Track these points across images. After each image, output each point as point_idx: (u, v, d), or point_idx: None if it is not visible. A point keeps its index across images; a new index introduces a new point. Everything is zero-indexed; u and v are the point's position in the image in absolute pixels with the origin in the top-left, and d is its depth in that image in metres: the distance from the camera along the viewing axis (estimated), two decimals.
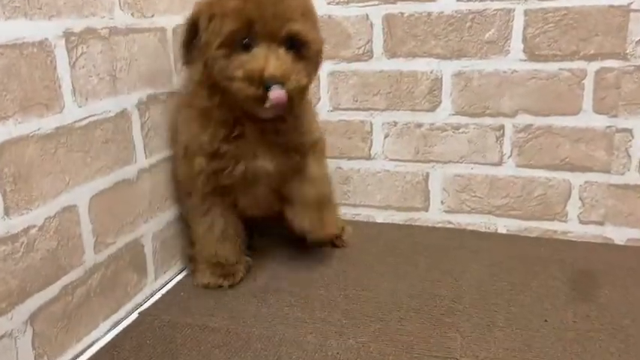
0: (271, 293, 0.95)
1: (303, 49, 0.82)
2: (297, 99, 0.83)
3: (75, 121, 0.73)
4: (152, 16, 0.89)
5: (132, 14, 0.84)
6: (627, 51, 1.02)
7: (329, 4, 1.17)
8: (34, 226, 0.68)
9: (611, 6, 1.01)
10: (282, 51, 0.79)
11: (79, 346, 0.77)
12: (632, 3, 1.00)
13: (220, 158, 0.87)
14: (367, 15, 1.15)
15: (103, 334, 0.82)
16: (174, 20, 0.95)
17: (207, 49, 0.80)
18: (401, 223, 1.26)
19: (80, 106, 0.74)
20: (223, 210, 0.95)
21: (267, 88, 0.76)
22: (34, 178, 0.67)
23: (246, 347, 0.79)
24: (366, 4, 1.14)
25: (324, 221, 0.97)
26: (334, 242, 1.13)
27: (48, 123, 0.69)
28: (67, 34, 0.71)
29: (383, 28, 1.15)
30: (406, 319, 0.86)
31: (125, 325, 0.85)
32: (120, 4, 0.81)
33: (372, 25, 1.15)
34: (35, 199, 0.67)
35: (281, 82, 0.77)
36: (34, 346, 0.69)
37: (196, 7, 0.82)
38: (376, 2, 1.14)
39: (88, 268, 0.78)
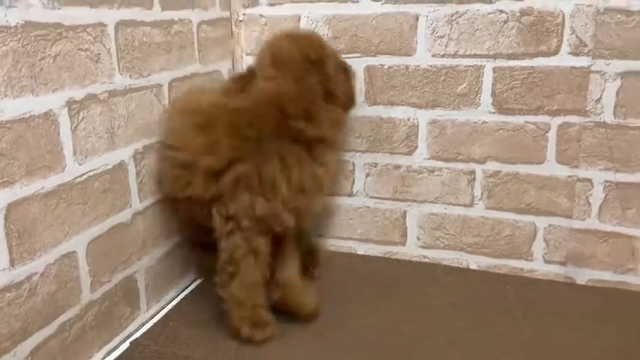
0: None
1: None
2: None
3: (75, 178, 0.83)
4: (149, 75, 0.99)
5: (130, 76, 0.94)
6: (587, 108, 1.10)
7: None
8: (36, 273, 0.77)
9: (573, 67, 1.09)
10: None
11: None
12: (592, 65, 1.08)
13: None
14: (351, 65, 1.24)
15: None
16: (171, 76, 1.05)
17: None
18: (380, 255, 1.35)
19: (80, 164, 0.84)
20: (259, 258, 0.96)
21: None
22: (37, 231, 0.77)
23: None
24: (349, 55, 1.23)
25: None
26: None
27: (50, 182, 0.78)
28: (70, 103, 0.81)
29: (364, 78, 1.24)
30: (371, 357, 0.95)
31: (117, 354, 0.95)
32: (119, 69, 0.91)
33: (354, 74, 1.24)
34: (37, 249, 0.77)
35: None
36: None
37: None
38: (358, 54, 1.23)
39: (84, 306, 0.88)
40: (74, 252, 0.84)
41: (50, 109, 0.77)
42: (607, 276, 1.17)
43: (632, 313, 1.07)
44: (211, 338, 1.00)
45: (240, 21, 1.29)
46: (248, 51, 1.30)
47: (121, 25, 0.90)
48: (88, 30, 0.83)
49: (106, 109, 0.88)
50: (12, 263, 0.73)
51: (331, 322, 1.05)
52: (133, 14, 0.93)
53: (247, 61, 1.30)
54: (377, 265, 1.31)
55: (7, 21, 0.69)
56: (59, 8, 0.77)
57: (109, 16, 0.87)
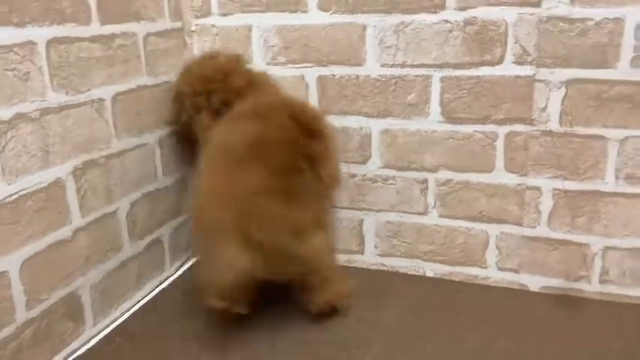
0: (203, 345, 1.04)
1: None
2: None
3: (5, 198, 0.83)
4: (88, 90, 0.99)
5: (66, 92, 0.93)
6: (533, 117, 1.10)
7: (267, 64, 1.26)
8: None
9: (518, 76, 1.09)
10: None
11: None
12: (536, 74, 1.08)
13: None
14: (303, 75, 1.24)
15: None
16: (114, 89, 1.05)
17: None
18: (339, 263, 1.35)
19: (10, 184, 0.83)
20: None
21: None
22: None
23: None
24: (301, 65, 1.23)
25: None
26: None
27: None
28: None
29: (317, 88, 1.24)
30: None
31: None
32: (52, 86, 0.90)
33: (307, 84, 1.24)
34: None
35: None
36: None
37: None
38: (310, 64, 1.23)
39: (19, 324, 0.87)
40: (6, 271, 0.84)
41: None
42: (559, 283, 1.18)
43: (584, 320, 1.08)
44: (155, 355, 1.00)
45: (193, 31, 1.29)
46: None
47: (53, 42, 0.90)
48: (14, 49, 0.83)
49: (37, 128, 0.88)
50: None
51: (280, 326, 1.05)
52: (67, 31, 0.93)
53: None
54: None
55: None
56: None
57: (39, 34, 0.87)
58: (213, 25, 1.27)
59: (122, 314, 1.13)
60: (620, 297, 1.14)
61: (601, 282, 1.15)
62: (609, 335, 1.03)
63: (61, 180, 0.94)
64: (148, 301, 1.19)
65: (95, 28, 0.99)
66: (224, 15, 1.26)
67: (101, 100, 1.02)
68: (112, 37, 1.04)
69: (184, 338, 1.04)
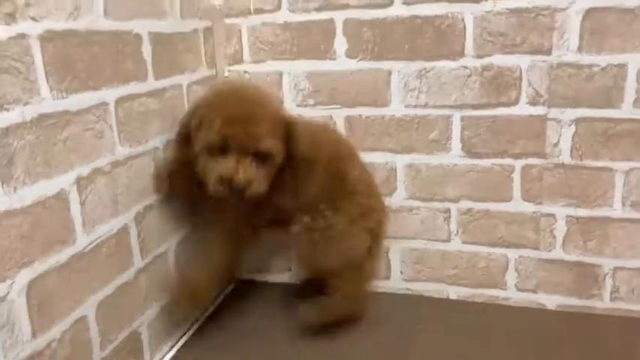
0: None
1: (266, 159, 1.03)
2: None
3: (84, 247, 0.90)
4: (146, 141, 1.07)
5: (130, 145, 1.02)
6: (547, 151, 1.22)
7: (298, 105, 1.35)
8: (54, 340, 0.84)
9: (531, 115, 1.21)
10: (248, 161, 1.01)
11: None
12: (548, 113, 1.19)
13: None
14: (331, 115, 1.34)
15: None
16: (165, 138, 1.13)
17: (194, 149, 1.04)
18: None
19: (88, 234, 0.91)
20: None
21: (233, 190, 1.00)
22: (54, 302, 0.84)
23: None
24: (329, 107, 1.33)
25: None
26: None
27: (64, 255, 0.85)
28: (79, 180, 0.88)
29: (345, 127, 1.34)
30: None
31: None
32: (120, 140, 0.98)
33: (335, 123, 1.34)
34: (55, 318, 0.84)
35: (244, 187, 1.00)
36: None
37: (190, 113, 1.07)
38: (338, 106, 1.33)
39: None
40: (85, 316, 0.91)
41: (62, 189, 0.84)
42: (574, 301, 1.28)
43: (597, 334, 1.18)
44: None
45: (226, 77, 1.38)
46: None
47: (120, 100, 0.98)
48: (92, 111, 0.91)
49: (109, 180, 0.96)
50: (34, 334, 0.80)
51: (331, 349, 1.14)
52: (130, 89, 1.01)
53: None
54: None
55: (23, 118, 0.77)
56: (66, 97, 0.85)
57: (110, 94, 0.95)
58: (245, 72, 1.37)
59: (171, 347, 1.20)
60: (630, 312, 1.25)
61: (612, 299, 1.26)
62: (620, 347, 1.13)
63: (127, 226, 1.01)
64: (192, 333, 1.27)
65: (151, 83, 1.08)
66: (256, 62, 1.36)
67: (156, 148, 1.11)
68: (163, 90, 1.12)
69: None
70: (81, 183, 0.89)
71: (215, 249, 1.16)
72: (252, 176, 1.00)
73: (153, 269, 1.11)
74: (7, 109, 0.74)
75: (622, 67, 1.12)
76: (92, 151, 0.91)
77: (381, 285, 1.42)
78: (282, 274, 1.49)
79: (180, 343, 1.22)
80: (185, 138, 1.07)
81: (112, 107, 0.96)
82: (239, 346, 1.20)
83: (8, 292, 0.76)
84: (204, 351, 1.19)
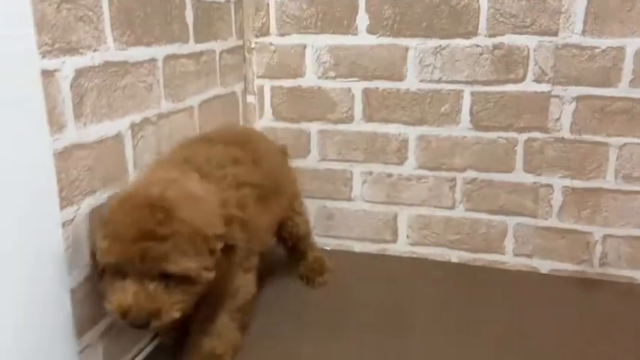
0: None
1: (182, 281, 0.81)
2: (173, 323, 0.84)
3: None
4: (184, 99, 1.16)
5: (172, 101, 1.11)
6: (548, 126, 1.33)
7: (319, 78, 1.45)
8: None
9: (536, 92, 1.32)
10: (153, 286, 0.79)
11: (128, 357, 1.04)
12: (552, 90, 1.30)
13: None
14: (350, 88, 1.44)
15: None
16: (200, 98, 1.23)
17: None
18: (374, 252, 1.54)
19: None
20: None
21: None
22: None
23: None
24: (348, 79, 1.43)
25: None
26: (311, 282, 1.33)
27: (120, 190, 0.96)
28: (132, 125, 0.98)
29: (362, 99, 1.44)
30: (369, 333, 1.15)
31: None
32: (165, 95, 1.08)
33: (353, 96, 1.44)
34: None
35: (143, 320, 0.79)
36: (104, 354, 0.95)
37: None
38: (357, 79, 1.43)
39: None
40: None
41: (119, 131, 0.94)
42: (566, 266, 1.40)
43: (585, 296, 1.30)
44: None
45: (252, 48, 1.47)
46: (259, 74, 1.49)
47: (166, 58, 1.08)
48: (144, 65, 1.00)
49: (155, 130, 1.06)
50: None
51: (336, 308, 1.25)
52: (175, 49, 1.11)
53: (257, 84, 1.49)
54: (372, 261, 1.51)
55: (93, 62, 0.86)
56: (126, 49, 0.94)
57: (159, 52, 1.05)
58: (271, 44, 1.46)
59: None
60: (617, 277, 1.37)
61: (601, 265, 1.37)
62: (607, 310, 1.24)
63: None
64: None
65: (191, 46, 1.17)
66: (281, 35, 1.45)
67: (192, 107, 1.20)
68: (201, 53, 1.22)
69: None
70: (134, 128, 0.99)
71: None
72: (158, 305, 0.79)
73: None
74: (82, 54, 0.84)
75: (620, 49, 1.23)
76: (143, 101, 1.01)
77: (388, 248, 1.53)
78: None
79: None
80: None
81: (160, 64, 1.06)
82: None
83: (75, 217, 0.85)
84: None
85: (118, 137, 0.94)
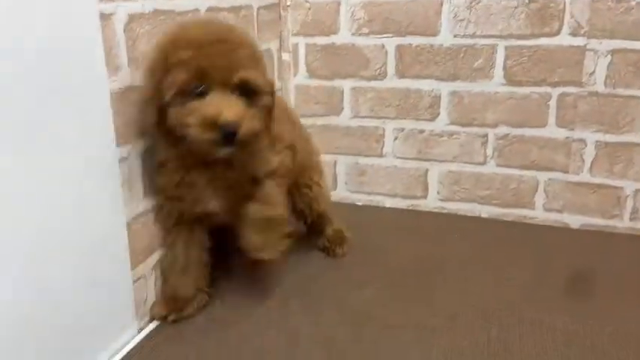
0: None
1: (254, 96, 0.87)
2: (252, 141, 0.87)
3: None
4: None
5: None
6: (582, 80, 1.33)
7: (353, 34, 1.48)
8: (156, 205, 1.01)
9: (571, 46, 1.32)
10: (234, 97, 0.84)
11: None
12: (587, 44, 1.30)
13: (177, 201, 0.97)
14: (383, 44, 1.46)
15: None
16: None
17: (161, 98, 0.84)
18: (405, 208, 1.58)
19: None
20: (186, 244, 1.01)
21: (222, 133, 0.82)
22: None
23: None
24: (382, 36, 1.45)
25: (266, 243, 0.97)
26: (331, 252, 1.29)
27: None
28: None
29: (395, 55, 1.46)
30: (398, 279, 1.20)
31: None
32: None
33: (386, 52, 1.47)
34: None
35: (235, 126, 0.82)
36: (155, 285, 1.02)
37: (152, 57, 0.88)
38: (390, 35, 1.45)
39: None
40: None
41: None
42: (596, 221, 1.42)
43: (617, 252, 1.31)
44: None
45: (288, 6, 1.50)
46: (294, 31, 1.52)
47: (209, 9, 1.12)
48: (189, 15, 1.05)
49: None
50: (145, 195, 0.96)
51: (373, 255, 1.30)
52: (216, 1, 1.15)
53: (292, 42, 1.52)
54: (402, 216, 1.55)
55: (143, 9, 0.91)
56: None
57: (203, 3, 1.09)
58: (306, 1, 1.49)
59: None
60: None
61: (631, 219, 1.39)
62: (637, 262, 1.26)
63: None
64: None
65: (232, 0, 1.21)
66: None
67: None
68: (240, 8, 1.26)
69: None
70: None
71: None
72: (241, 113, 0.84)
73: None
74: (134, 0, 0.89)
75: None
76: None
77: (418, 204, 1.57)
78: None
79: None
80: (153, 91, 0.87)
81: (202, 14, 1.10)
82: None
83: (129, 155, 0.92)
84: None
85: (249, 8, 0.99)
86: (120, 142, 0.88)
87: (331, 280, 1.19)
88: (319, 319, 1.04)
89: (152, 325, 1.01)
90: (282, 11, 1.51)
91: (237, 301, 1.09)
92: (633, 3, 1.24)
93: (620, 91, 1.31)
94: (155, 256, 1.01)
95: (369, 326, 1.01)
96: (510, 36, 1.35)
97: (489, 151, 1.46)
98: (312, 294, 1.13)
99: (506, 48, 1.36)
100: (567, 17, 1.30)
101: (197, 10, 1.08)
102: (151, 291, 1.02)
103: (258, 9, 1.36)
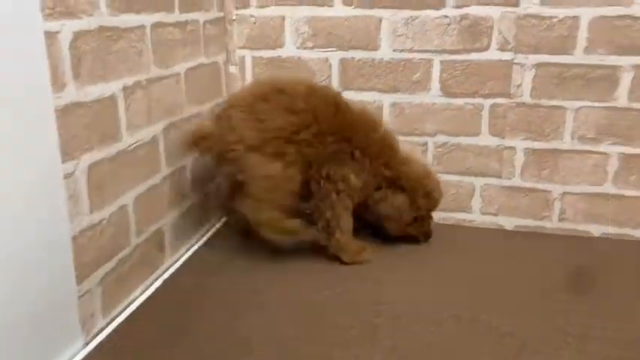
0: None
1: None
2: None
3: (128, 146, 1.07)
4: (173, 66, 1.23)
5: (160, 67, 1.18)
6: (511, 92, 1.43)
7: (298, 48, 1.53)
8: (105, 219, 1.02)
9: (500, 60, 1.42)
10: None
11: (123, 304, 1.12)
12: (514, 58, 1.41)
13: None
14: (327, 58, 1.52)
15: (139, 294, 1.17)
16: (186, 66, 1.30)
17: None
18: None
19: (131, 136, 1.08)
20: None
21: None
22: (105, 187, 1.01)
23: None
24: (326, 49, 1.51)
25: None
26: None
27: (114, 149, 1.02)
28: (125, 88, 1.05)
29: (339, 68, 1.52)
30: None
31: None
32: (153, 61, 1.15)
33: (330, 65, 1.52)
34: (105, 201, 1.01)
35: None
36: (102, 299, 1.03)
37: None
38: (334, 49, 1.51)
39: (133, 247, 1.12)
40: (126, 205, 1.09)
41: (113, 93, 1.01)
42: (528, 222, 1.52)
43: (547, 250, 1.42)
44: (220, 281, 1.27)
45: (233, 20, 1.54)
46: (240, 45, 1.55)
47: (154, 26, 1.14)
48: (135, 31, 1.07)
49: (146, 93, 1.12)
50: (91, 210, 0.97)
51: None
52: (161, 17, 1.17)
53: (239, 55, 1.56)
54: None
55: (89, 26, 0.93)
56: (118, 15, 1.01)
57: (147, 19, 1.11)
58: (251, 15, 1.53)
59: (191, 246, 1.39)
60: (574, 231, 1.49)
61: (559, 220, 1.50)
62: (565, 261, 1.36)
63: (157, 137, 1.18)
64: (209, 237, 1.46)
65: (177, 15, 1.24)
66: (261, 7, 1.52)
67: (179, 74, 1.27)
68: (186, 23, 1.28)
69: (243, 264, 1.32)
70: (126, 91, 1.05)
71: None
72: None
73: (175, 179, 1.28)
74: (80, 17, 0.90)
75: (576, 19, 1.34)
76: (134, 65, 1.08)
77: None
78: None
79: (197, 246, 1.41)
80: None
81: (148, 30, 1.12)
82: (248, 249, 1.39)
83: (75, 170, 0.92)
84: (217, 252, 1.38)
85: (112, 98, 1.01)
86: (65, 158, 0.89)
87: None
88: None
89: (100, 338, 1.01)
90: (227, 25, 1.54)
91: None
92: (555, 20, 1.36)
93: (545, 101, 1.42)
94: (102, 271, 1.02)
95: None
96: (444, 51, 1.44)
97: (429, 159, 1.54)
98: None
99: (441, 62, 1.45)
100: (495, 33, 1.40)
101: (143, 26, 1.10)
102: (97, 305, 1.02)
103: (204, 23, 1.39)
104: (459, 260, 1.36)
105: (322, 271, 1.30)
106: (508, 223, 1.54)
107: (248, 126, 1.21)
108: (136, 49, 1.08)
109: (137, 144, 1.11)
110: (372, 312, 1.12)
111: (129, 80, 1.06)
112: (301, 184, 1.27)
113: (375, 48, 1.48)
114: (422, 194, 1.36)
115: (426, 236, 1.44)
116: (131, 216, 1.11)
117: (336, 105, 1.31)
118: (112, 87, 1.01)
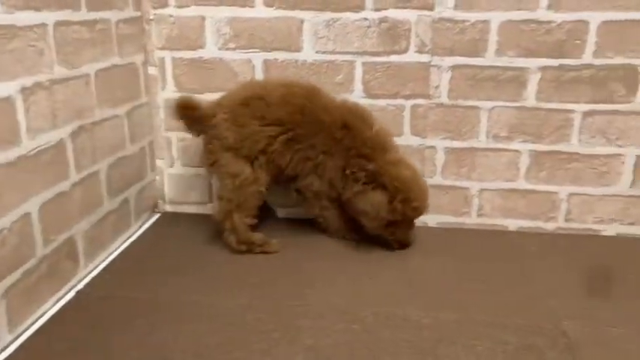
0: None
1: None
2: None
3: (29, 151, 1.01)
4: (80, 66, 1.17)
5: (66, 67, 1.12)
6: (430, 93, 1.47)
7: (219, 49, 1.50)
8: (5, 228, 0.95)
9: (418, 62, 1.45)
10: None
11: (32, 318, 1.05)
12: (431, 61, 1.45)
13: None
14: (250, 59, 1.50)
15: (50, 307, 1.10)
16: (97, 66, 1.24)
17: None
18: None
19: (32, 140, 1.01)
20: None
21: None
22: (3, 195, 0.94)
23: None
24: (248, 51, 1.49)
25: None
26: None
27: (12, 154, 0.96)
28: (23, 89, 0.98)
29: (262, 69, 1.51)
30: None
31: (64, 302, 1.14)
32: (58, 61, 1.08)
33: (253, 66, 1.51)
34: (5, 209, 0.94)
35: None
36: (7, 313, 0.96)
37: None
38: (256, 50, 1.49)
39: (39, 258, 1.05)
40: (30, 213, 1.02)
41: (10, 95, 0.95)
42: (449, 219, 1.57)
43: (468, 245, 1.47)
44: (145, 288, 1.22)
45: (151, 20, 1.49)
46: (159, 46, 1.51)
47: (57, 24, 1.08)
48: (34, 29, 1.01)
49: (49, 95, 1.06)
50: None
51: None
52: (66, 15, 1.11)
53: (158, 55, 1.51)
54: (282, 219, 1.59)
55: None
56: (13, 12, 0.94)
57: (49, 17, 1.05)
58: (170, 15, 1.49)
59: (108, 256, 1.32)
60: (492, 226, 1.56)
61: (478, 216, 1.56)
62: (483, 253, 1.42)
63: (64, 140, 1.12)
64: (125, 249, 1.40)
65: (84, 13, 1.18)
66: (180, 7, 1.48)
67: (88, 75, 1.21)
68: (94, 22, 1.23)
69: (163, 273, 1.27)
70: (25, 92, 0.99)
71: None
72: None
73: (87, 185, 1.22)
74: None
75: (487, 22, 1.39)
76: (34, 65, 1.01)
77: (297, 211, 1.62)
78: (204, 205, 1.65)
79: (114, 254, 1.34)
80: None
81: (50, 29, 1.06)
82: (168, 257, 1.35)
83: None
84: (135, 261, 1.33)
85: (8, 100, 0.94)
86: None
87: None
88: None
89: (3, 356, 0.95)
90: (145, 25, 1.49)
91: None
92: (467, 24, 1.41)
93: (461, 102, 1.47)
94: (5, 283, 0.95)
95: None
96: (365, 53, 1.46)
97: None
98: None
99: (363, 64, 1.47)
100: (413, 36, 1.43)
101: (44, 24, 1.04)
102: (2, 320, 0.96)
103: (117, 22, 1.33)
104: (380, 258, 1.38)
105: (242, 276, 1.28)
106: (431, 220, 1.58)
107: (228, 127, 1.33)
108: (35, 49, 1.01)
109: (40, 148, 1.04)
110: (294, 314, 1.11)
111: (28, 81, 0.99)
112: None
113: (298, 49, 1.48)
114: (400, 199, 1.32)
115: (402, 245, 1.41)
116: (36, 225, 1.04)
117: (309, 110, 1.35)
118: (8, 88, 0.94)
